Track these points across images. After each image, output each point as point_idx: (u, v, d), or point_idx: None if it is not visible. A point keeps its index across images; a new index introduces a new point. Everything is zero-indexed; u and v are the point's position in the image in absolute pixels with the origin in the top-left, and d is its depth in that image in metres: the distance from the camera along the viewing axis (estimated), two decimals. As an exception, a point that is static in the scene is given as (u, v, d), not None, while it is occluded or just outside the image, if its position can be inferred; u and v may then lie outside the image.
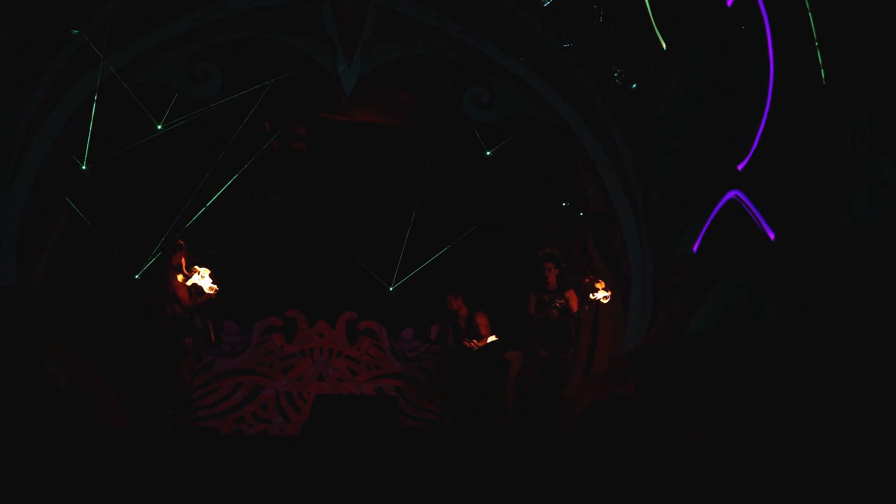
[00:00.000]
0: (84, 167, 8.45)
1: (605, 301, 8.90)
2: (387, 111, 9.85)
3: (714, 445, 7.04)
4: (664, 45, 8.90)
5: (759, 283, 8.49)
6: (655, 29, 8.90)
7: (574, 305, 9.06)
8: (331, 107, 9.48)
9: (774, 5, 8.50)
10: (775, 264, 8.53)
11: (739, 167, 8.76)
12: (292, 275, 10.55)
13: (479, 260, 10.22)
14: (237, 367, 10.41)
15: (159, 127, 8.56)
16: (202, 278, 8.36)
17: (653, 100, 9.05)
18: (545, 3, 9.04)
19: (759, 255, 8.62)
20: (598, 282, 9.00)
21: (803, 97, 8.52)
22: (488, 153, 9.13)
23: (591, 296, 8.92)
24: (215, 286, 8.39)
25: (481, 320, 9.86)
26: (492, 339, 9.72)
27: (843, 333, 7.79)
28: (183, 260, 8.63)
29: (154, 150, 9.13)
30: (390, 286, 9.59)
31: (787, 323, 8.26)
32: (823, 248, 8.45)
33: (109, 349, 9.01)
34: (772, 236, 8.66)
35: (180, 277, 8.49)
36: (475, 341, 9.72)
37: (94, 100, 8.33)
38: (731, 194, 8.75)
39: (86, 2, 8.28)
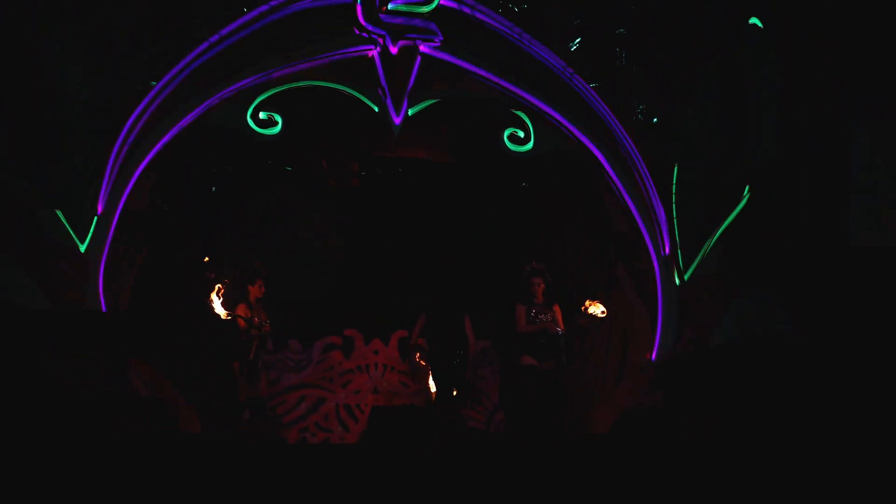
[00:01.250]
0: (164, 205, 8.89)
1: (603, 315, 8.70)
2: (431, 149, 10.05)
3: (734, 449, 6.99)
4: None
5: (776, 297, 8.50)
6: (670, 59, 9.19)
7: (560, 320, 8.78)
8: (381, 146, 9.72)
9: (781, 34, 8.62)
10: (791, 279, 8.59)
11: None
12: (350, 298, 10.74)
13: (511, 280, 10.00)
14: (301, 382, 10.63)
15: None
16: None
17: (672, 131, 9.24)
18: (572, 48, 9.26)
19: (775, 271, 8.72)
20: (594, 301, 8.82)
21: (810, 121, 8.58)
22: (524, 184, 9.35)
23: (587, 311, 8.69)
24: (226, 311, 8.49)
25: None
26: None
27: (856, 342, 7.66)
28: (256, 294, 8.92)
29: (225, 187, 9.48)
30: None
31: (801, 333, 8.18)
32: (835, 263, 8.47)
33: (186, 366, 9.26)
34: (786, 254, 8.76)
35: (243, 308, 8.77)
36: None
37: (171, 142, 8.67)
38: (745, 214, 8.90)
39: (165, 57, 8.63)
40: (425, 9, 8.95)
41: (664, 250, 9.24)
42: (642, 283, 9.39)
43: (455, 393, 9.13)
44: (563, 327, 8.74)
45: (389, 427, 7.97)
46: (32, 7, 8.01)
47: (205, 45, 8.64)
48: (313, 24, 8.90)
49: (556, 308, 8.88)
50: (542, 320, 8.69)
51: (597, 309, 8.69)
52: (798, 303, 8.27)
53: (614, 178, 9.31)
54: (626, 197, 9.30)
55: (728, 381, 7.94)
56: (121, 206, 8.53)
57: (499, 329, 9.85)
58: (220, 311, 8.42)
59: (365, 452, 7.30)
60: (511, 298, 8.88)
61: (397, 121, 9.00)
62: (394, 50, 8.89)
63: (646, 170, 9.27)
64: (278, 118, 8.84)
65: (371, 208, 10.87)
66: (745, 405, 7.55)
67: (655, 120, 9.36)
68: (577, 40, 9.28)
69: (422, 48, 9.00)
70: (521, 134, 9.25)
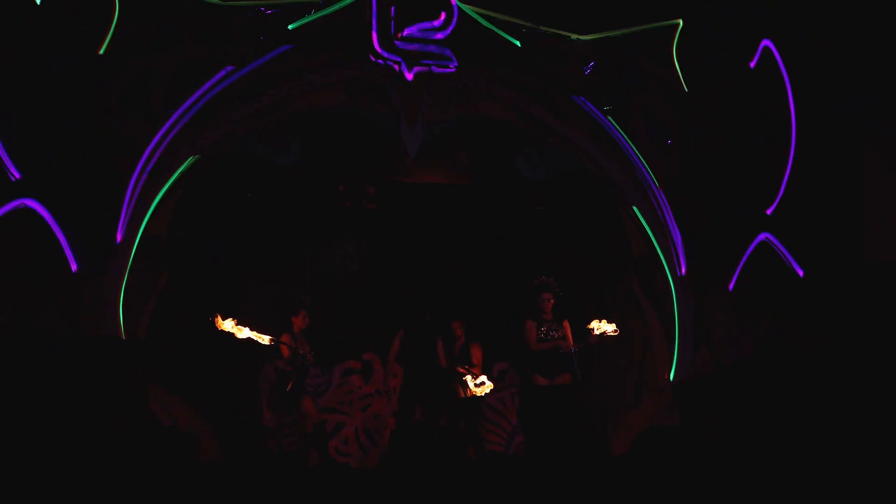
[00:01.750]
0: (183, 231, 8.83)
1: (615, 333, 8.51)
2: (448, 171, 9.93)
3: (751, 467, 6.86)
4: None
5: (791, 317, 8.56)
6: (683, 84, 9.14)
7: (570, 336, 8.66)
8: (397, 169, 9.66)
9: (793, 64, 8.65)
10: (805, 299, 8.60)
11: (768, 212, 8.91)
12: (368, 322, 10.63)
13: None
14: (321, 406, 10.33)
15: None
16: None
17: (686, 152, 9.21)
18: (586, 70, 9.23)
19: (789, 291, 8.68)
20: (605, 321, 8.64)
21: (824, 145, 8.61)
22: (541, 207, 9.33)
23: (596, 329, 8.51)
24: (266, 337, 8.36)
25: (475, 351, 9.70)
26: (485, 386, 9.32)
27: (869, 359, 7.76)
28: (300, 325, 8.89)
29: (243, 211, 9.47)
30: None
31: (817, 352, 8.23)
32: (849, 282, 8.47)
33: (207, 392, 9.21)
34: (801, 273, 8.75)
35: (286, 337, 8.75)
36: (468, 367, 9.50)
37: (189, 170, 8.68)
38: (761, 236, 8.89)
39: (182, 84, 8.61)
40: (440, 35, 8.90)
41: (680, 270, 9.22)
42: (659, 303, 9.36)
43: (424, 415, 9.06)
44: (573, 343, 8.63)
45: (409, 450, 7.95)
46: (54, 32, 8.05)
47: (222, 72, 8.63)
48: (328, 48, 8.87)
49: (566, 324, 8.78)
50: (554, 337, 8.60)
51: (608, 327, 8.53)
52: (815, 319, 8.23)
53: (631, 199, 9.31)
54: (642, 217, 9.29)
55: (745, 399, 7.90)
56: (140, 232, 8.50)
57: (516, 350, 9.65)
58: (260, 337, 8.24)
59: (385, 475, 7.13)
60: (520, 313, 8.85)
61: (413, 145, 9.00)
62: (409, 76, 8.85)
63: (660, 190, 9.26)
64: (295, 143, 8.85)
65: (388, 232, 10.80)
66: (762, 423, 7.51)
67: (669, 141, 9.31)
68: (591, 63, 9.20)
69: (437, 73, 8.98)
70: (536, 156, 9.25)
